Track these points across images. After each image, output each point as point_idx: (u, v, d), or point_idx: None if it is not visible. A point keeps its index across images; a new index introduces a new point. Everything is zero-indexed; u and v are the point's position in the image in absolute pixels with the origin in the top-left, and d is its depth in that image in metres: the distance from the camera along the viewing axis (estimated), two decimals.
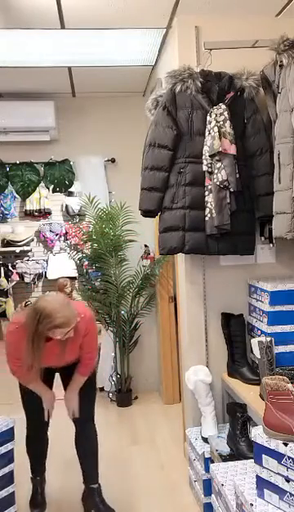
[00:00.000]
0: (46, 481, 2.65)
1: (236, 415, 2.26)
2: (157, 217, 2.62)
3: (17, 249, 4.10)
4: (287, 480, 1.54)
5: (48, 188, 4.19)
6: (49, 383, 2.49)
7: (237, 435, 2.24)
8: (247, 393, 2.32)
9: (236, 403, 2.34)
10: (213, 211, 2.40)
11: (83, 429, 2.49)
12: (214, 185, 2.39)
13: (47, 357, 2.24)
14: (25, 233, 4.17)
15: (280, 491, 1.58)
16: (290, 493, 1.54)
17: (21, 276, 4.13)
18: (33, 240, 4.24)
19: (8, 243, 4.10)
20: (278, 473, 1.58)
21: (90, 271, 4.13)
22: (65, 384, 2.50)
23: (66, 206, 4.25)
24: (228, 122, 2.39)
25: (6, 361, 2.28)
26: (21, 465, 2.61)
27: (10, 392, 4.06)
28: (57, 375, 2.54)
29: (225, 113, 2.40)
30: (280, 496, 1.58)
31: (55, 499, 2.65)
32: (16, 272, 4.12)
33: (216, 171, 2.38)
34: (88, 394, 2.47)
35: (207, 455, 2.41)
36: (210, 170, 2.41)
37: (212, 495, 2.16)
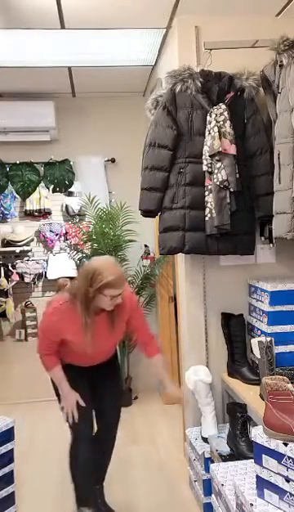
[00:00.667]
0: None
1: (236, 415, 2.26)
2: (157, 217, 2.62)
3: (17, 249, 4.10)
4: (287, 480, 1.54)
5: (48, 188, 4.19)
6: (85, 391, 2.32)
7: (237, 435, 2.24)
8: (247, 393, 2.32)
9: (236, 403, 2.34)
10: (213, 211, 2.39)
11: (108, 430, 2.48)
12: (214, 185, 2.39)
13: (97, 335, 2.18)
14: (25, 233, 4.17)
15: (280, 491, 1.58)
16: (290, 493, 1.54)
17: (21, 276, 4.14)
18: (33, 240, 4.24)
19: (8, 243, 4.10)
20: (278, 473, 1.58)
21: None
22: (94, 390, 2.40)
23: (66, 206, 4.25)
24: (228, 122, 2.39)
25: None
26: (21, 465, 2.61)
27: (10, 392, 4.07)
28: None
29: (225, 113, 2.40)
30: (280, 496, 1.58)
31: (55, 498, 2.65)
32: (16, 272, 4.12)
33: (216, 171, 2.38)
34: (118, 396, 2.45)
35: (207, 455, 2.41)
36: (210, 170, 2.41)
37: (212, 495, 2.16)
